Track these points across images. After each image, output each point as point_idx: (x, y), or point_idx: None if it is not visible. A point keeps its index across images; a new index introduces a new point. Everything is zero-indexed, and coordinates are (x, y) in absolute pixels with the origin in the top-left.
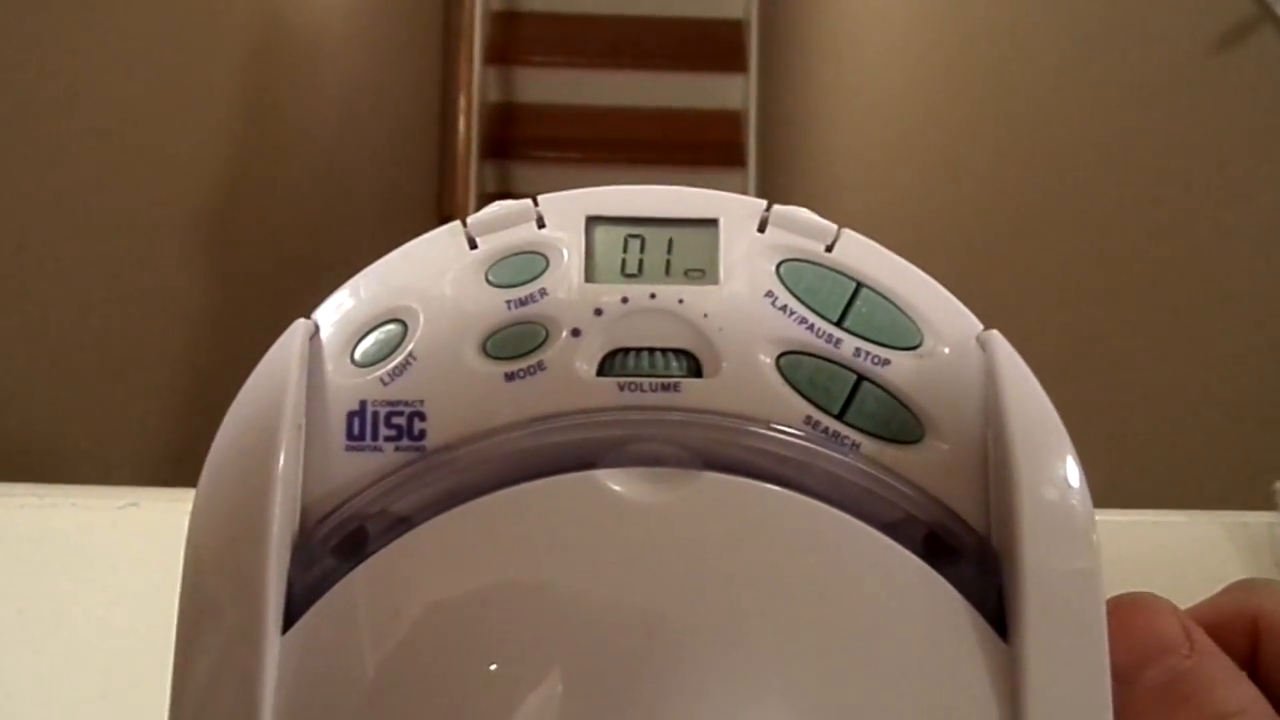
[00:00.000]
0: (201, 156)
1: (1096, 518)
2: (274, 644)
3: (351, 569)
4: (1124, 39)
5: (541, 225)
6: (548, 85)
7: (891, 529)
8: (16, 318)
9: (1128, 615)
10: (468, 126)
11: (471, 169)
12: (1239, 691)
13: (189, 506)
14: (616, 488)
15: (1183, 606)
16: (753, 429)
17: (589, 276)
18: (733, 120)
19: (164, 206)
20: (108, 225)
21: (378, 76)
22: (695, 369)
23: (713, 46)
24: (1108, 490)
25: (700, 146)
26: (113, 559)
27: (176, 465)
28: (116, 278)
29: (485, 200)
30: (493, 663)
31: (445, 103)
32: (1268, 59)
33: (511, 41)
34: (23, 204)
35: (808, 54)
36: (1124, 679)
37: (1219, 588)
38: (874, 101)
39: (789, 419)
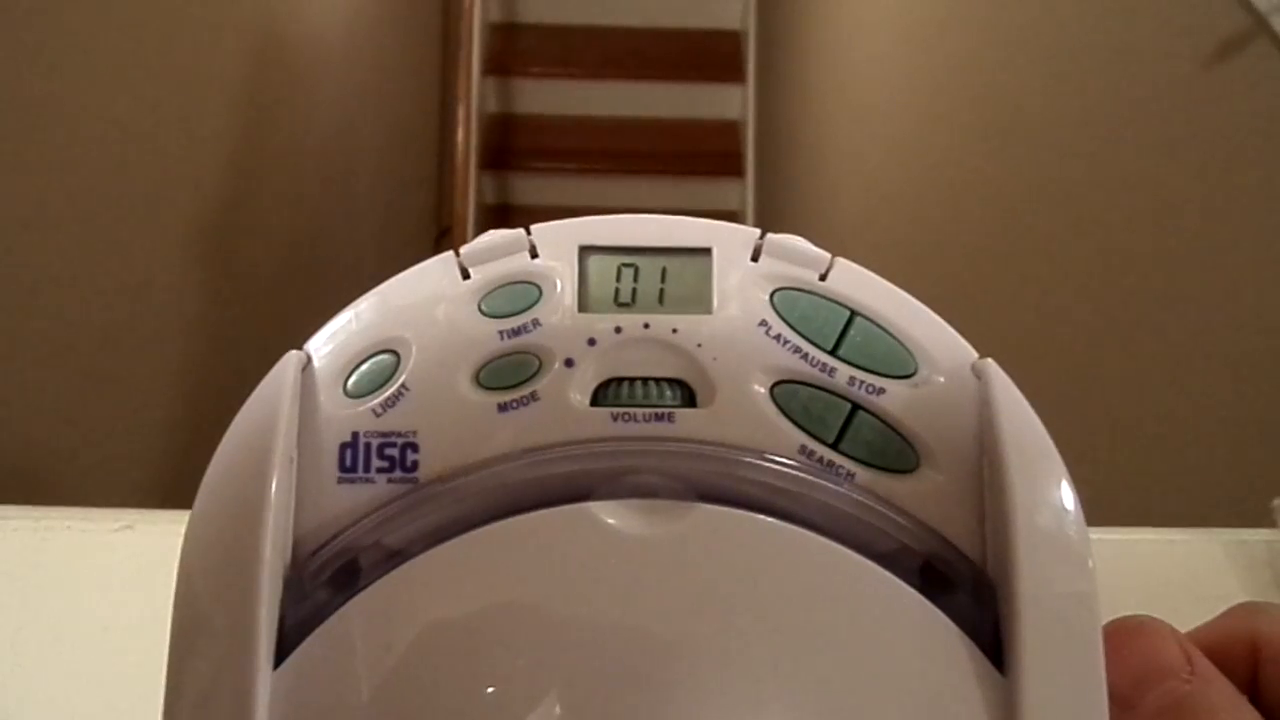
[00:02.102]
0: (199, 171)
1: (1095, 536)
2: (265, 679)
3: (344, 602)
4: (1118, 52)
5: (534, 255)
6: (546, 96)
7: (887, 560)
8: (10, 338)
9: (1127, 639)
10: (466, 137)
11: (470, 179)
12: (1240, 716)
13: (184, 529)
14: (610, 520)
15: (1182, 624)
16: (747, 460)
17: (582, 306)
18: (730, 130)
19: (161, 224)
20: (102, 245)
21: (376, 87)
22: (689, 399)
23: (711, 57)
24: (1106, 508)
25: (698, 156)
26: (107, 581)
27: (172, 487)
28: (112, 298)
29: (484, 210)
30: (487, 697)
31: (444, 113)
32: (1264, 72)
33: (510, 52)
34: (17, 221)
35: (805, 64)
36: (1124, 703)
37: (1218, 606)
38: (870, 112)
39: (784, 449)
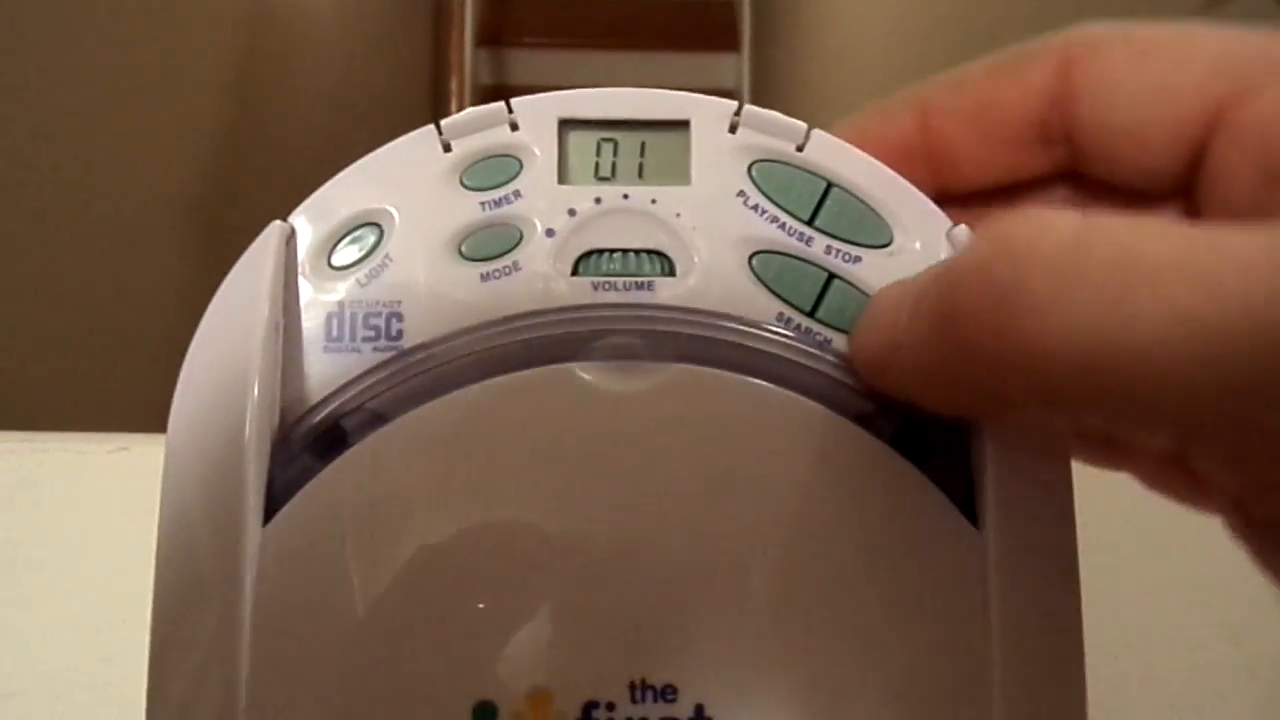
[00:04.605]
0: (191, 130)
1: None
2: (254, 532)
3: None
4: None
5: (515, 129)
6: (541, 66)
7: (864, 420)
8: (4, 266)
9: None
10: (459, 110)
11: None
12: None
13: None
14: (589, 378)
15: (1166, 553)
16: (725, 324)
17: (562, 179)
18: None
19: (155, 170)
20: (98, 180)
21: (367, 59)
22: (668, 269)
23: (705, 26)
24: None
25: None
26: (103, 503)
27: (166, 411)
28: (106, 228)
29: None
30: (467, 551)
31: (436, 86)
32: (1254, 21)
33: (503, 22)
34: (12, 157)
35: (801, 32)
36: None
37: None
38: (868, 80)
39: (761, 317)
